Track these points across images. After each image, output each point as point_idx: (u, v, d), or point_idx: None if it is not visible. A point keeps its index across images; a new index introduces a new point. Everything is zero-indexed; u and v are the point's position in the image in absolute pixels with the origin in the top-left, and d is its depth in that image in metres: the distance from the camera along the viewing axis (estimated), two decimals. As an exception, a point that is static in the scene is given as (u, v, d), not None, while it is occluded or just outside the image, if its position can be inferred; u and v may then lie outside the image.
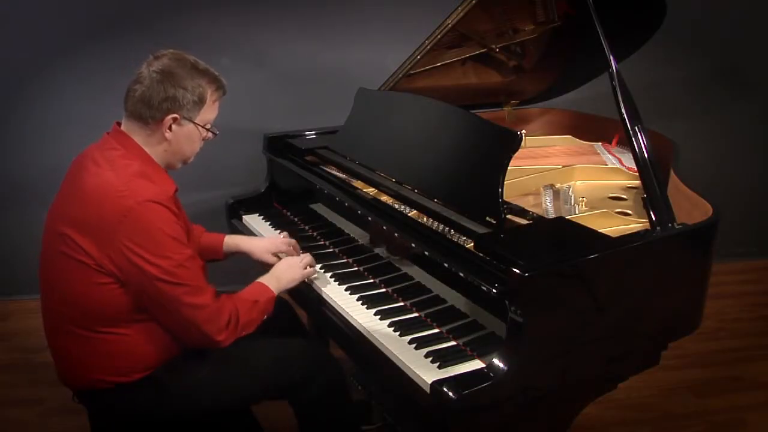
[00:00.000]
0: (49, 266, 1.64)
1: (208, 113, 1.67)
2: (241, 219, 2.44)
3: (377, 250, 1.94)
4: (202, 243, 1.99)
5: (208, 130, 1.69)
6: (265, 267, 1.96)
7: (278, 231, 2.23)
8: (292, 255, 2.00)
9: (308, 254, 1.95)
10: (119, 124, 1.66)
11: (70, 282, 1.56)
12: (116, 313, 1.57)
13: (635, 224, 1.82)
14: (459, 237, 1.69)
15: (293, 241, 2.05)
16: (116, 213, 1.49)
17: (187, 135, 1.65)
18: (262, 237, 2.20)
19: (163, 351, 1.64)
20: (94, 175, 1.57)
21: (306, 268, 1.89)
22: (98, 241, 1.51)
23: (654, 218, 1.66)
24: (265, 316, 1.73)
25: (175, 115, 1.60)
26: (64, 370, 1.68)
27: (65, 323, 1.60)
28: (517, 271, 1.39)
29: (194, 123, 1.64)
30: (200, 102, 1.63)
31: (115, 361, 1.60)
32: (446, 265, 1.61)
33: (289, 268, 1.86)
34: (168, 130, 1.61)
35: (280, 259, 1.97)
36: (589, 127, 2.67)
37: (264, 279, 1.81)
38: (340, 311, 1.78)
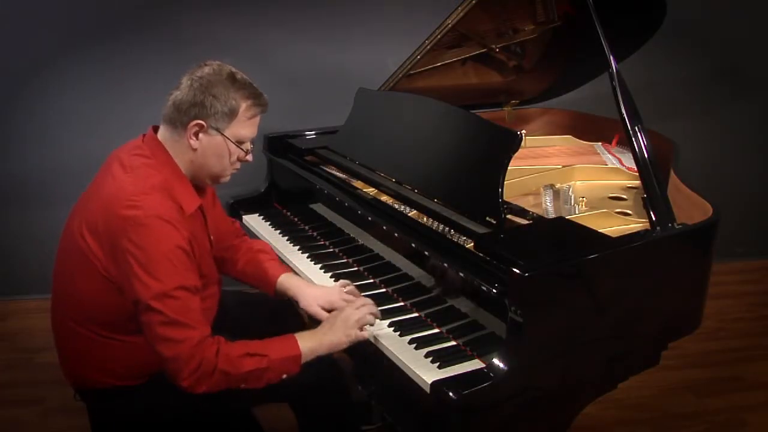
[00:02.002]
0: (64, 261, 1.63)
1: (241, 128, 1.58)
2: (241, 219, 2.44)
3: (377, 251, 1.94)
4: (264, 267, 1.87)
5: (240, 147, 1.60)
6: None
7: (335, 280, 1.86)
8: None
9: (370, 304, 1.65)
10: (155, 129, 1.63)
11: (80, 281, 1.56)
12: (119, 320, 1.56)
13: (635, 224, 1.82)
14: (459, 237, 1.69)
15: (353, 292, 1.75)
16: (122, 221, 1.46)
17: (214, 147, 1.58)
18: (318, 286, 1.86)
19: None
20: (114, 180, 1.54)
21: (360, 327, 1.60)
22: (104, 246, 1.50)
23: (654, 218, 1.66)
24: (284, 376, 1.54)
25: (200, 122, 1.54)
26: (67, 367, 1.68)
27: (71, 322, 1.60)
28: (517, 271, 1.39)
29: (222, 135, 1.57)
30: (231, 114, 1.56)
31: (116, 365, 1.60)
32: (446, 265, 1.61)
33: (331, 330, 1.59)
34: (193, 137, 1.56)
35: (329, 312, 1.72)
36: (589, 127, 2.67)
37: (301, 334, 1.59)
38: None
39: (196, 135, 1.56)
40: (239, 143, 1.60)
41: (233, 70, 1.59)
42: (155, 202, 1.48)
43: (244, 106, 1.57)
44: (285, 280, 1.85)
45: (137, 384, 1.62)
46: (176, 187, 1.56)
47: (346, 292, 1.75)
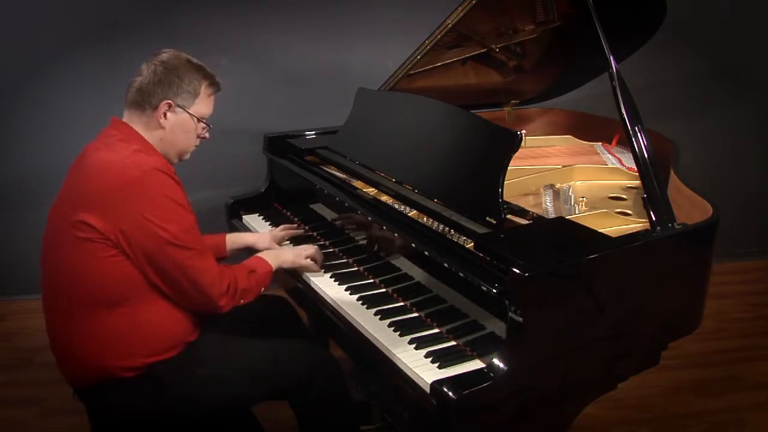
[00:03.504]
0: (56, 255, 1.64)
1: (203, 107, 1.75)
2: (241, 219, 2.44)
3: (377, 251, 1.94)
4: (210, 237, 2.05)
5: (203, 124, 1.76)
6: None
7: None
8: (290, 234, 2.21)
9: (315, 247, 2.00)
10: (117, 117, 1.73)
11: (79, 264, 1.58)
12: (122, 290, 1.59)
13: (635, 224, 1.81)
14: (459, 237, 1.69)
15: (289, 230, 2.21)
16: (122, 182, 1.56)
17: (181, 124, 1.72)
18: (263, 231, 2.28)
19: (168, 336, 1.65)
20: (96, 159, 1.64)
21: (306, 259, 1.95)
22: (105, 213, 1.55)
23: (654, 218, 1.66)
24: (263, 288, 1.82)
25: (169, 101, 1.68)
26: (67, 363, 1.68)
27: (73, 308, 1.60)
28: (517, 271, 1.39)
29: (188, 113, 1.72)
30: (194, 93, 1.72)
31: (121, 342, 1.60)
32: (446, 265, 1.61)
33: (290, 249, 1.99)
34: (163, 117, 1.69)
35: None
36: (589, 127, 2.67)
37: (263, 253, 1.91)
38: (340, 311, 1.78)
39: (165, 114, 1.70)
40: (201, 120, 1.76)
41: (187, 55, 1.74)
42: (146, 159, 1.61)
43: (203, 85, 1.74)
44: (232, 238, 2.15)
45: (141, 365, 1.62)
46: (152, 153, 1.68)
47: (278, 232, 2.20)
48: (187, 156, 1.80)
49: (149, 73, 1.68)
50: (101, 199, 1.56)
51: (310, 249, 1.98)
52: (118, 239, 1.55)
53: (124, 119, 1.71)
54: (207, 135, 1.80)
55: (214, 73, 1.77)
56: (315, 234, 2.24)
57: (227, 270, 1.71)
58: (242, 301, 1.74)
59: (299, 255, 1.95)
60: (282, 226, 2.24)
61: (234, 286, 1.69)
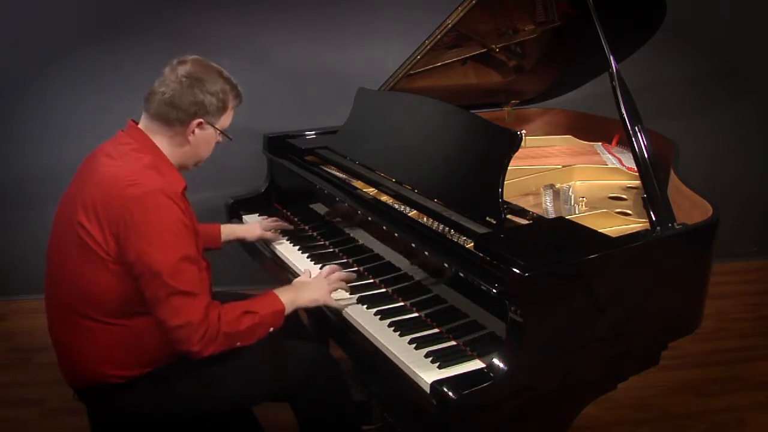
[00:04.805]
0: (58, 255, 1.64)
1: (226, 119, 1.72)
2: (241, 219, 2.44)
3: (377, 251, 1.94)
4: (205, 227, 2.03)
5: (225, 135, 1.73)
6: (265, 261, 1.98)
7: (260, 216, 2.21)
8: (276, 228, 2.23)
9: (339, 272, 1.84)
10: (135, 122, 1.68)
11: (79, 269, 1.57)
12: (121, 302, 1.57)
13: (635, 224, 1.82)
14: (459, 237, 1.69)
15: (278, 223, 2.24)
16: (124, 199, 1.52)
17: (206, 139, 1.70)
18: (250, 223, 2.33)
19: (166, 347, 1.63)
20: (105, 166, 1.60)
21: (334, 289, 1.79)
22: (105, 226, 1.53)
23: (654, 218, 1.66)
24: (271, 329, 1.67)
25: (200, 120, 1.65)
26: (67, 365, 1.68)
27: (71, 314, 1.60)
28: (517, 271, 1.39)
29: (215, 128, 1.69)
30: (223, 108, 1.68)
31: (118, 353, 1.60)
32: (446, 265, 1.61)
33: (309, 286, 1.77)
34: (191, 134, 1.66)
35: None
36: (589, 127, 2.67)
37: (279, 290, 1.74)
38: (340, 311, 1.78)
39: (193, 131, 1.66)
40: (224, 132, 1.73)
41: (215, 64, 1.70)
42: (152, 179, 1.55)
43: (231, 98, 1.70)
44: (226, 230, 2.16)
45: (140, 374, 1.62)
46: (163, 169, 1.62)
47: (268, 223, 2.23)
48: (202, 163, 1.76)
49: (179, 85, 1.61)
50: (104, 211, 1.53)
51: (337, 279, 1.81)
52: (116, 254, 1.53)
53: (141, 126, 1.66)
54: (221, 140, 1.76)
55: (236, 82, 1.73)
56: (315, 234, 2.24)
57: (212, 313, 1.55)
58: (237, 343, 1.60)
59: (322, 289, 1.77)
60: (272, 218, 2.28)
61: (214, 331, 1.54)
